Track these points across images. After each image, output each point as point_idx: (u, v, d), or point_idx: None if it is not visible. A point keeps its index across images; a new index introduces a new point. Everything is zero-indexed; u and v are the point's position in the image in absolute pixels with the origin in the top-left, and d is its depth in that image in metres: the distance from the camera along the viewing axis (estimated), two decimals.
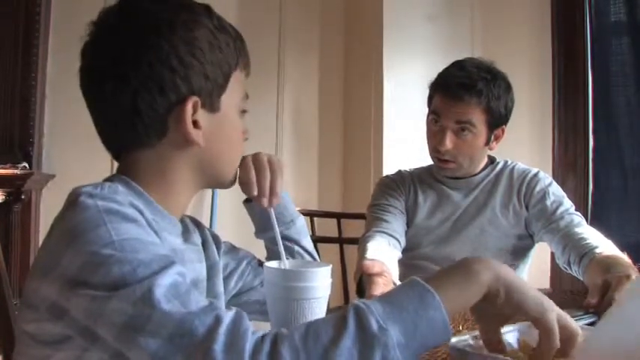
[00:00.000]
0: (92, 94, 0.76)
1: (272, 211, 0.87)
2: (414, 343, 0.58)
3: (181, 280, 0.62)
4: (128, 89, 0.71)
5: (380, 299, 0.61)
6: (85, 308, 0.61)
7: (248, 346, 0.56)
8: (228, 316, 0.58)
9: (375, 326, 0.57)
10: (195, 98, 0.73)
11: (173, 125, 0.73)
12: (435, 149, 1.51)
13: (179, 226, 0.81)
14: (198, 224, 0.91)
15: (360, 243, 1.46)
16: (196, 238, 0.87)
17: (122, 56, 0.72)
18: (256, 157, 0.89)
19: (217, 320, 0.57)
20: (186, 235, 0.84)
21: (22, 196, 2.64)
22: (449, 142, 1.47)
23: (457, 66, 1.52)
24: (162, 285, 0.59)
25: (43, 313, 0.65)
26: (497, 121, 1.49)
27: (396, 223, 1.52)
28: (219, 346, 0.55)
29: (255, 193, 0.87)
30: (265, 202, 0.87)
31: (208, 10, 0.77)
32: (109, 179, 0.74)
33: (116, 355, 0.61)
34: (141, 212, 0.68)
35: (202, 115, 0.75)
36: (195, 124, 0.74)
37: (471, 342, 0.71)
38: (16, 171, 2.61)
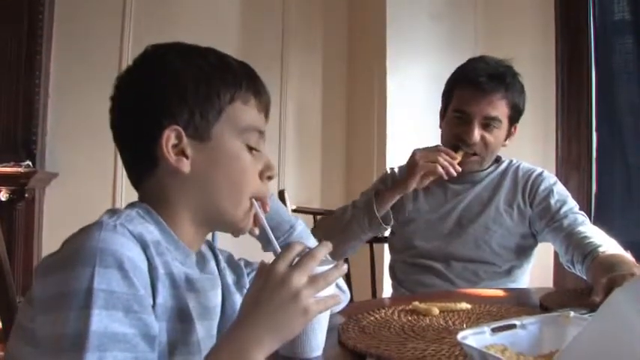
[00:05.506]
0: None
1: (264, 221, 0.83)
2: None
3: None
4: (124, 119, 0.79)
5: None
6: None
7: None
8: None
9: None
10: (175, 127, 0.76)
11: (160, 153, 0.76)
12: (461, 142, 1.47)
13: (193, 257, 0.82)
14: (213, 250, 0.91)
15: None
16: (212, 265, 0.88)
17: (121, 91, 0.80)
18: None
19: None
20: (201, 264, 0.85)
21: (26, 195, 2.65)
22: (477, 134, 1.45)
23: (479, 60, 1.49)
24: None
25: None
26: (516, 116, 1.50)
27: None
28: None
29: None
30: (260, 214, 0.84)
31: (206, 50, 0.82)
32: (131, 205, 0.78)
33: None
34: (154, 241, 0.71)
35: (190, 144, 0.77)
36: (182, 152, 0.77)
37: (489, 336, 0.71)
38: (19, 169, 2.62)
